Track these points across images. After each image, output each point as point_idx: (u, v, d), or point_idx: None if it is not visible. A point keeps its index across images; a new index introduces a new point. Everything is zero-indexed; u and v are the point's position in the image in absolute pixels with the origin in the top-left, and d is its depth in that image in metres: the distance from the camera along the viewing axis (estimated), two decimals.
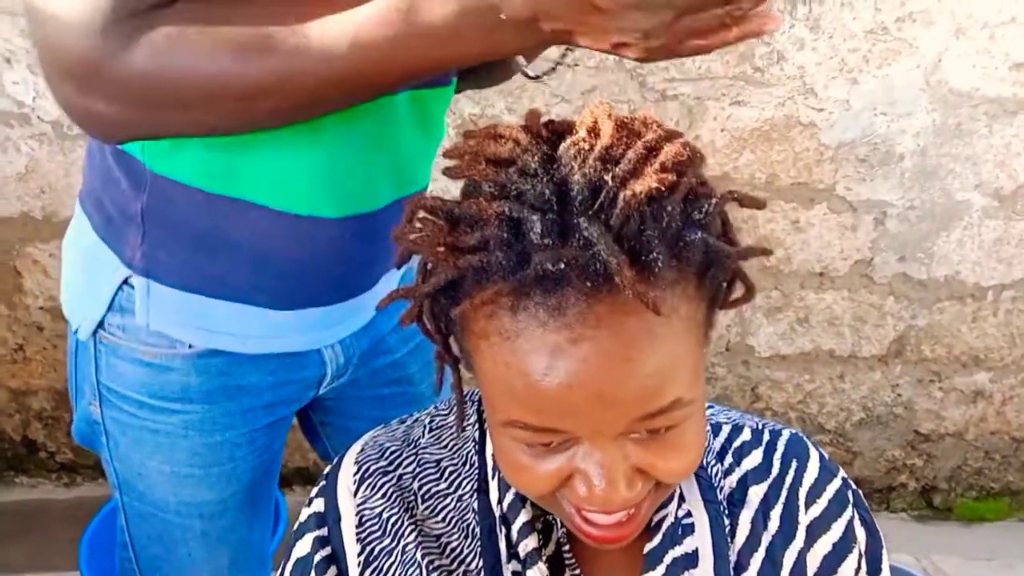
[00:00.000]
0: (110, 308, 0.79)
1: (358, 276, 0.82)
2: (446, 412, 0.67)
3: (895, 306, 1.82)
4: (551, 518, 0.61)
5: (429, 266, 0.51)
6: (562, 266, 0.44)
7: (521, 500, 0.59)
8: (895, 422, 1.96)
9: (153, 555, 0.92)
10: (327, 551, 0.63)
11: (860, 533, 0.63)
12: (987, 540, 1.98)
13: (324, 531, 0.63)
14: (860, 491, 0.66)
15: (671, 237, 0.46)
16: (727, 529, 0.61)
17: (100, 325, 0.80)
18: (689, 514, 0.60)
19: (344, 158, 0.73)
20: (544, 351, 0.45)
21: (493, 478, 0.61)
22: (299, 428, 1.07)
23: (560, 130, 0.51)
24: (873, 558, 0.63)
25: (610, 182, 0.45)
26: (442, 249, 0.47)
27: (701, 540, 0.59)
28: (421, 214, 0.50)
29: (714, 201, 0.49)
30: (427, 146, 0.82)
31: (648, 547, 0.59)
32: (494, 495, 0.61)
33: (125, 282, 0.78)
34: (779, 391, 1.91)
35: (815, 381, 1.90)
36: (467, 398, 0.67)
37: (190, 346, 0.80)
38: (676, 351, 0.47)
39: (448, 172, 0.50)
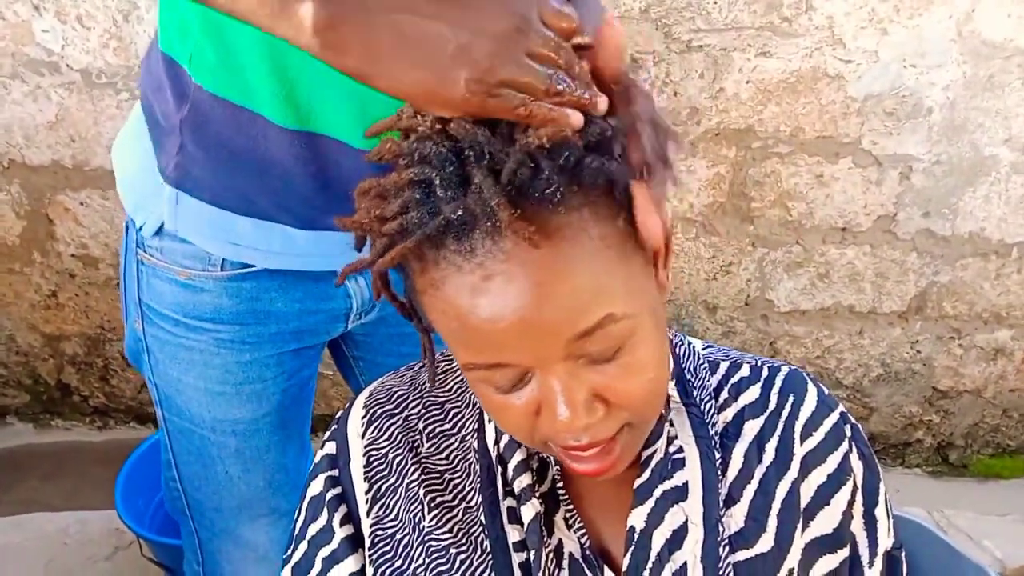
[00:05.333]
0: (157, 231, 0.83)
1: None
2: (451, 357, 0.70)
3: (917, 262, 1.81)
4: (547, 457, 0.63)
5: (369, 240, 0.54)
6: (460, 213, 0.46)
7: (517, 441, 0.62)
8: (913, 378, 1.96)
9: (193, 472, 0.97)
10: (338, 490, 0.66)
11: (857, 466, 0.64)
12: (1001, 496, 2.00)
13: (335, 471, 0.67)
14: (859, 425, 0.67)
15: (568, 168, 0.48)
16: (719, 463, 0.62)
17: (158, 231, 0.83)
18: (680, 450, 0.62)
19: (377, 98, 0.74)
20: (465, 292, 0.48)
21: (490, 421, 0.64)
22: (336, 369, 1.10)
23: None
24: (870, 490, 0.64)
25: (487, 142, 0.47)
26: (367, 221, 0.51)
27: (691, 474, 0.61)
28: (361, 196, 0.53)
29: (609, 127, 0.50)
30: None
31: (638, 482, 0.61)
32: (491, 436, 0.64)
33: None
34: (798, 346, 1.92)
35: (834, 336, 1.91)
36: None
37: (221, 268, 0.84)
38: (593, 269, 0.48)
39: (368, 159, 0.53)
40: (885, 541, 0.64)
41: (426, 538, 0.63)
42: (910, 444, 2.06)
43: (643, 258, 0.52)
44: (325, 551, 0.65)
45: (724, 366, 0.67)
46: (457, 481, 0.65)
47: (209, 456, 0.95)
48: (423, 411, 0.67)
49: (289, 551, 0.68)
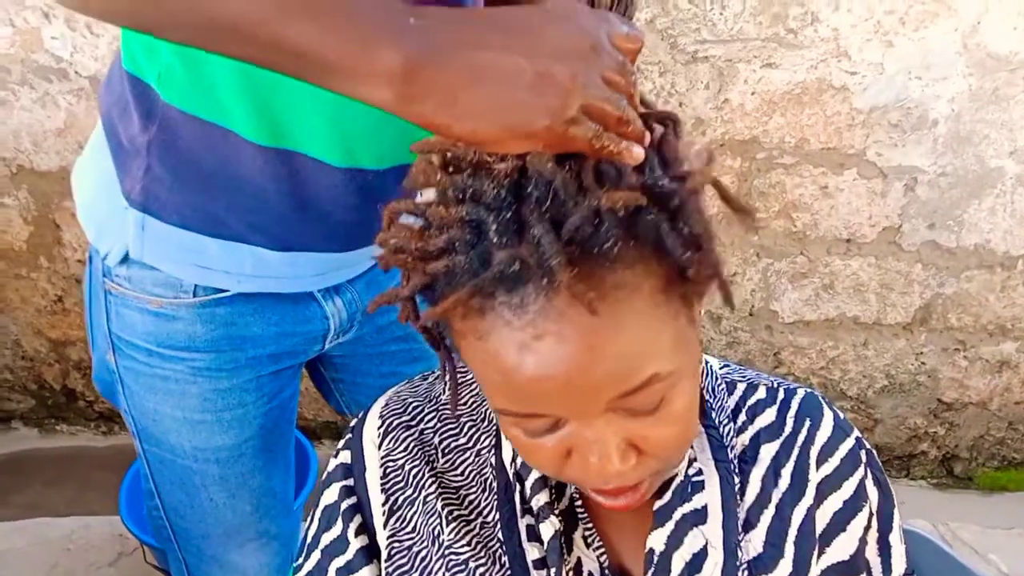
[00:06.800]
0: (123, 260, 0.81)
1: (356, 230, 0.82)
2: (466, 369, 0.69)
3: (922, 274, 1.81)
4: None
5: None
6: (517, 267, 0.44)
7: None
8: (918, 390, 1.95)
9: (177, 501, 0.95)
10: (353, 500, 0.66)
11: (872, 492, 0.64)
12: (1007, 510, 1.99)
13: (350, 481, 0.66)
14: (874, 451, 0.66)
15: (627, 222, 0.46)
16: (737, 487, 0.61)
17: (124, 259, 0.81)
18: (700, 472, 0.61)
19: (352, 109, 0.70)
20: (512, 348, 0.46)
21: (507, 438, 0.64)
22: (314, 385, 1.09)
23: None
24: (885, 516, 0.64)
25: (559, 184, 0.45)
26: (410, 259, 0.48)
27: (710, 497, 0.61)
28: (396, 220, 0.51)
29: (672, 186, 0.48)
30: None
31: (658, 504, 0.60)
32: (507, 453, 0.63)
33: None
34: (802, 357, 1.92)
35: (838, 348, 1.91)
36: None
37: (194, 295, 0.81)
38: (644, 329, 0.47)
39: (411, 185, 0.50)
40: (899, 567, 0.64)
41: (445, 551, 0.62)
42: (915, 456, 2.05)
43: (690, 310, 0.51)
44: (339, 561, 0.65)
45: (741, 387, 0.67)
46: (473, 497, 0.64)
47: (192, 485, 0.93)
48: (439, 425, 0.67)
49: (300, 559, 0.67)
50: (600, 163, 0.46)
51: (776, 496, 0.62)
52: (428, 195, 0.51)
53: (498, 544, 0.62)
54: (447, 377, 0.56)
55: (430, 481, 0.64)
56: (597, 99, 0.44)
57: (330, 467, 0.68)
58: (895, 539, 0.64)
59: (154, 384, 0.86)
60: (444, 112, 0.44)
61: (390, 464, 0.65)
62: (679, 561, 0.59)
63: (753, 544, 0.61)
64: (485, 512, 0.63)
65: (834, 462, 0.63)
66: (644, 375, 0.48)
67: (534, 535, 0.60)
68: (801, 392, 0.67)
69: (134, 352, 0.85)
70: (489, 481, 0.64)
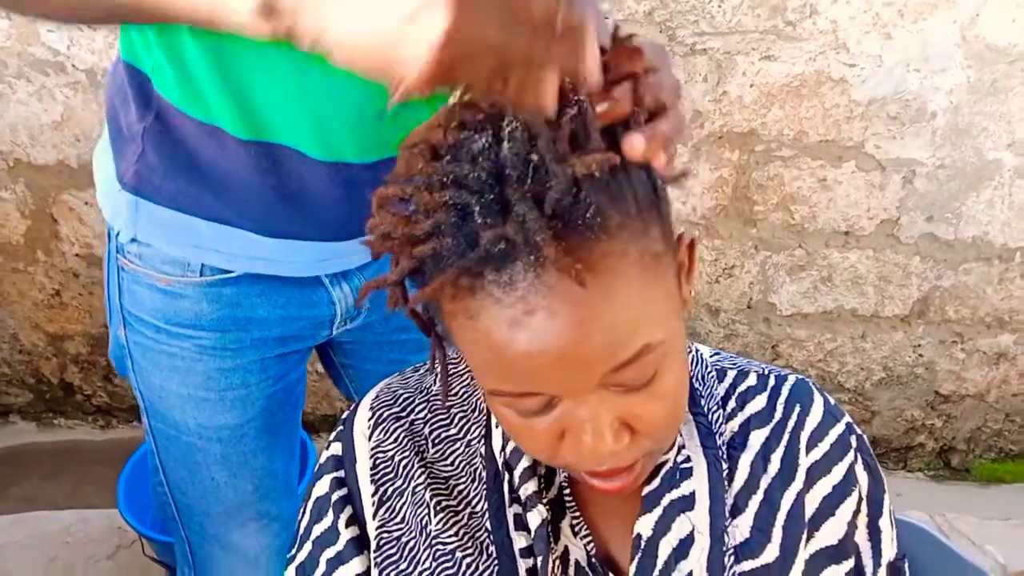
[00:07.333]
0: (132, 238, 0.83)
1: (345, 221, 0.83)
2: (457, 360, 0.70)
3: (920, 266, 1.81)
4: None
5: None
6: (503, 245, 0.45)
7: None
8: (915, 382, 1.96)
9: (180, 478, 0.97)
10: (343, 491, 0.66)
11: (862, 477, 0.64)
12: (1004, 501, 2.00)
13: (341, 473, 0.67)
14: (865, 437, 0.66)
15: (604, 188, 0.46)
16: (725, 473, 0.62)
17: (133, 240, 0.83)
18: (688, 459, 0.62)
19: (333, 103, 0.74)
20: (503, 325, 0.46)
21: (497, 427, 0.64)
22: (326, 374, 1.11)
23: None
24: (875, 501, 0.64)
25: (536, 159, 0.45)
26: (398, 244, 0.49)
27: (698, 483, 0.61)
28: (385, 206, 0.51)
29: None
30: (427, 111, 0.83)
31: (646, 490, 0.61)
32: (497, 442, 0.63)
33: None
34: (800, 349, 1.92)
35: (836, 340, 1.91)
36: None
37: (200, 274, 0.83)
38: (634, 298, 0.47)
39: (395, 176, 0.50)
40: (889, 552, 0.64)
41: (433, 541, 0.63)
42: (912, 448, 2.06)
43: (674, 271, 0.52)
44: (330, 552, 0.65)
45: (731, 374, 0.67)
46: (462, 487, 0.64)
47: (195, 462, 0.94)
48: (429, 415, 0.67)
49: (293, 551, 0.68)
50: (574, 129, 0.46)
51: (765, 482, 0.62)
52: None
53: (485, 534, 0.62)
54: (437, 364, 0.56)
55: (419, 472, 0.65)
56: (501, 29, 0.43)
57: (321, 459, 0.69)
58: (885, 524, 0.64)
59: (160, 360, 0.88)
60: (322, 38, 0.46)
61: (380, 455, 0.66)
62: (666, 547, 0.59)
63: (740, 529, 0.61)
64: (473, 502, 0.64)
65: (824, 447, 0.63)
66: (636, 346, 0.48)
67: (521, 524, 0.61)
68: (792, 378, 0.67)
69: (143, 328, 0.87)
70: (478, 471, 0.64)
